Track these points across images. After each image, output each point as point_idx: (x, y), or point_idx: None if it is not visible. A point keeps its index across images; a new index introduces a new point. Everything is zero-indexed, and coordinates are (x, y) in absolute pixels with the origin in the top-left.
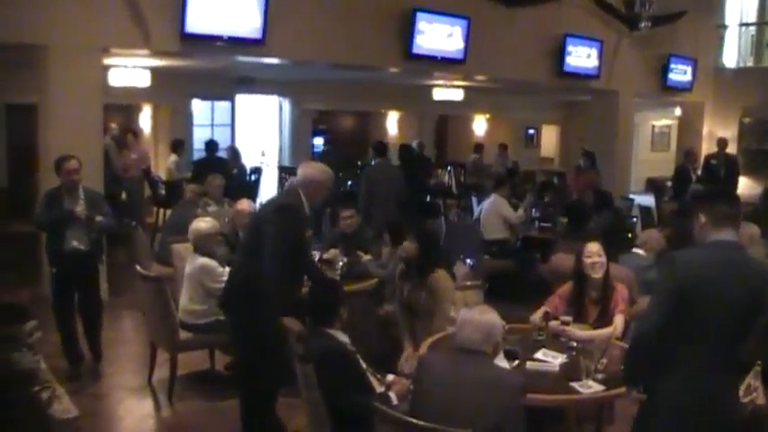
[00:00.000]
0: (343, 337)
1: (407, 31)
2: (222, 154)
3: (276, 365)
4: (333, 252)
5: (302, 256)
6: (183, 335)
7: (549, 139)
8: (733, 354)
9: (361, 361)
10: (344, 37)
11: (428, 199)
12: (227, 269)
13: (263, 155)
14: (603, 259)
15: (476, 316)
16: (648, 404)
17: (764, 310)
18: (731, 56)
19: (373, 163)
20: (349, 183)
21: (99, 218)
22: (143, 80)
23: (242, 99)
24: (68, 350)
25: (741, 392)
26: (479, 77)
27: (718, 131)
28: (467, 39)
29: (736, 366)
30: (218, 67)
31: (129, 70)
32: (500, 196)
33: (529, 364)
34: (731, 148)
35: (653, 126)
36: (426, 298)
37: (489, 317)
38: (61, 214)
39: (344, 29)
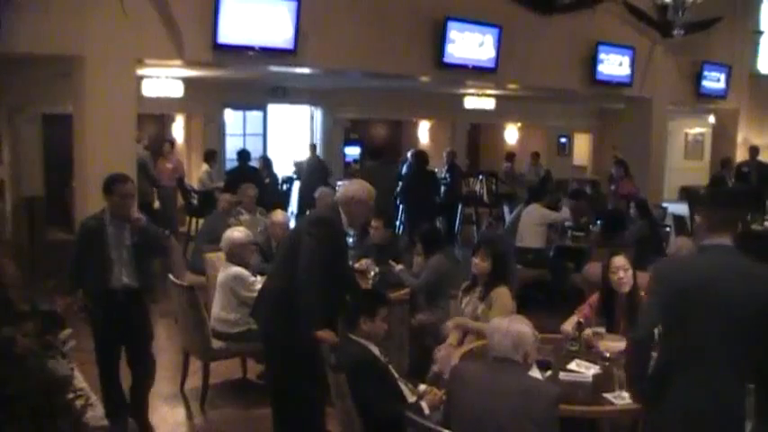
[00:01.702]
0: (374, 348)
1: (439, 40)
2: (254, 164)
3: (306, 377)
4: (365, 262)
5: (339, 269)
6: (216, 343)
7: (582, 147)
8: (739, 357)
9: (392, 370)
10: (376, 46)
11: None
12: (260, 278)
13: (294, 165)
14: (630, 273)
15: (505, 323)
16: (656, 410)
17: None
18: (767, 62)
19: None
20: None
21: (137, 215)
22: (176, 90)
23: (274, 109)
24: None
25: None
26: (511, 86)
27: (754, 139)
28: (498, 47)
29: (744, 370)
30: (250, 77)
31: (163, 81)
32: (541, 206)
33: (562, 375)
34: (766, 156)
35: (686, 134)
36: (484, 311)
37: (519, 325)
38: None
39: (376, 38)
